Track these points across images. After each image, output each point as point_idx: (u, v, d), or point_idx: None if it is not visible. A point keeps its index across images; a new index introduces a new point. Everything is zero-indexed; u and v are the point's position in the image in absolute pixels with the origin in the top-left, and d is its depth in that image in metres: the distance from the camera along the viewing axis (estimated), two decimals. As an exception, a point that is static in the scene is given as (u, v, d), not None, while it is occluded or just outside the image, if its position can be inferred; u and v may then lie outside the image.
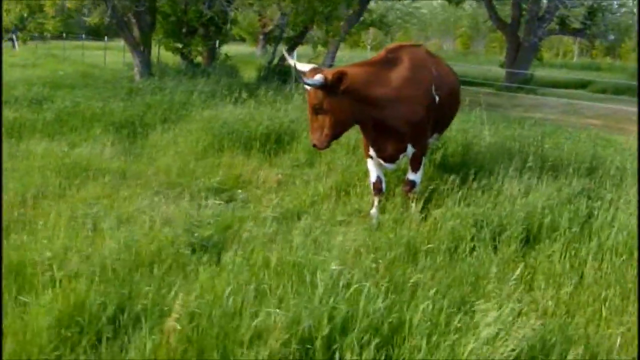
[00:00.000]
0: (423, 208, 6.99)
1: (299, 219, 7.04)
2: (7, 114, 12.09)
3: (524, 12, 28.14)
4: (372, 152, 7.05)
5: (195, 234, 5.78)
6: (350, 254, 5.38)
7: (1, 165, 7.90)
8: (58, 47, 38.58)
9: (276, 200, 7.56)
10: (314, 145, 6.56)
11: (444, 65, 7.66)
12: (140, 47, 19.04)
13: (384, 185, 7.22)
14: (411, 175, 7.12)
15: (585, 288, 5.10)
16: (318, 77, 6.18)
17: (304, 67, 6.72)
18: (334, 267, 4.52)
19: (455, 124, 11.21)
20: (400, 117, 6.68)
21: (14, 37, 45.49)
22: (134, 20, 19.22)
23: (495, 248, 5.82)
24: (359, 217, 7.03)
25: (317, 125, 6.48)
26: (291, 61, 6.99)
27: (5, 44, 46.00)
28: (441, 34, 70.92)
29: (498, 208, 6.29)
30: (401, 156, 7.01)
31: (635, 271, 5.28)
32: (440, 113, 7.21)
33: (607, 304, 4.94)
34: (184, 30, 22.06)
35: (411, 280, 4.85)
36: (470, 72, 27.71)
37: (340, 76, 6.19)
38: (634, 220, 5.94)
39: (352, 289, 4.33)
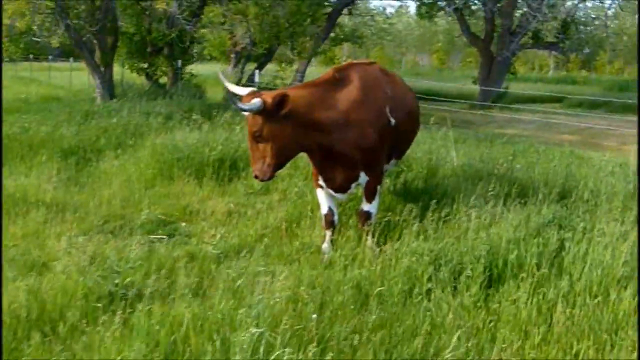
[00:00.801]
0: (379, 242, 6.37)
1: (241, 258, 6.39)
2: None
3: (497, 27, 27.76)
4: (321, 181, 6.41)
5: (116, 281, 5.07)
6: (282, 304, 4.68)
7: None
8: (26, 69, 37.72)
9: (219, 235, 6.93)
10: (256, 177, 5.92)
11: (400, 85, 7.05)
12: (101, 68, 18.32)
13: (336, 218, 6.57)
14: (365, 206, 6.48)
15: (555, 339, 4.46)
16: (255, 102, 5.55)
17: (240, 90, 6.09)
18: (253, 330, 3.84)
19: (421, 144, 10.70)
20: (350, 142, 6.05)
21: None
22: (95, 41, 18.56)
23: (455, 289, 5.17)
24: (309, 254, 6.34)
25: (258, 155, 5.84)
26: (226, 83, 6.35)
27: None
28: (417, 50, 70.78)
29: (459, 243, 5.64)
30: (353, 185, 6.38)
31: (610, 317, 4.65)
32: (397, 137, 6.59)
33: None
34: (148, 49, 21.40)
35: (355, 338, 4.18)
36: (445, 88, 27.21)
37: (280, 100, 5.57)
38: (608, 255, 5.32)
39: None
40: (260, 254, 6.40)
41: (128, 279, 5.12)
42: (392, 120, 6.43)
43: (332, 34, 31.36)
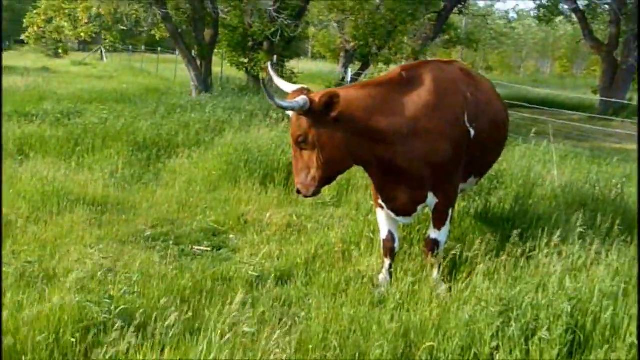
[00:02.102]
0: (446, 278, 5.30)
1: (281, 282, 5.50)
2: (20, 128, 11.12)
3: (623, 32, 25.37)
4: (381, 201, 5.40)
5: (109, 308, 4.26)
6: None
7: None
8: (139, 60, 38.49)
9: (264, 252, 6.07)
10: (298, 192, 5.00)
11: (485, 89, 5.88)
12: (196, 61, 17.98)
13: (396, 244, 5.54)
14: (433, 233, 5.40)
15: None
16: (299, 100, 4.62)
17: (289, 86, 5.18)
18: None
19: (519, 158, 9.43)
20: (416, 156, 5.00)
21: (102, 48, 46.57)
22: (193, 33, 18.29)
23: (527, 354, 4.03)
24: (360, 284, 5.34)
25: (302, 165, 4.93)
26: (274, 77, 5.46)
27: (95, 56, 47.03)
28: (539, 56, 67.32)
29: (538, 291, 4.46)
30: (419, 208, 5.33)
31: None
32: (478, 151, 5.47)
33: None
34: (249, 44, 20.97)
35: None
36: (562, 97, 25.21)
37: (328, 100, 4.62)
38: None
39: None
40: (303, 280, 5.49)
41: (123, 306, 4.28)
42: (472, 131, 5.33)
43: (446, 37, 30.05)
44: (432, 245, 5.39)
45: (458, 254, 5.24)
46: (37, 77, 24.71)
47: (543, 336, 3.96)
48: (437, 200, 5.26)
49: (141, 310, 4.30)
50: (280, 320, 4.69)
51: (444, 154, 5.07)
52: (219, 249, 6.61)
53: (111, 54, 45.74)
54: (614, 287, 4.42)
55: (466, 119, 5.27)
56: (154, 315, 4.28)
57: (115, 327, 3.97)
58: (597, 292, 4.32)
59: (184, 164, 9.98)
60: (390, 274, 5.50)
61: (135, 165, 9.88)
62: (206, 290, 5.12)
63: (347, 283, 5.39)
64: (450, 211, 5.38)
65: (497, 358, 4.00)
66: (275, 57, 18.90)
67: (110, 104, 15.53)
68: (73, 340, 3.93)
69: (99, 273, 5.12)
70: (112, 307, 4.21)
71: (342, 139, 4.77)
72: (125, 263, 5.52)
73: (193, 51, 18.55)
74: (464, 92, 5.39)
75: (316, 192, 4.98)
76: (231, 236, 6.90)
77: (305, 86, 5.08)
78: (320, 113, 4.66)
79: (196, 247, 6.62)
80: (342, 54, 29.83)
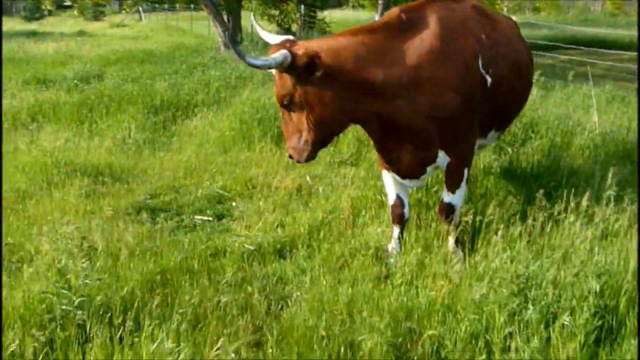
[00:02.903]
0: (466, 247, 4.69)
1: (281, 256, 4.96)
2: (33, 96, 10.76)
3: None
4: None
5: (70, 299, 3.78)
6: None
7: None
8: (187, 18, 37.85)
9: (268, 221, 5.54)
10: (291, 157, 4.42)
11: (504, 30, 5.11)
12: (223, 15, 17.32)
13: (406, 210, 4.92)
14: (447, 197, 4.75)
15: None
16: (277, 56, 4.00)
17: (273, 38, 4.55)
18: None
19: (558, 105, 8.63)
20: (422, 111, 4.33)
21: (140, 9, 46.30)
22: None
23: (547, 342, 3.40)
24: (367, 255, 4.75)
25: (292, 128, 4.34)
26: (258, 29, 4.82)
27: (133, 16, 46.77)
28: (590, -8, 63.88)
29: (562, 265, 3.80)
30: (429, 169, 4.67)
31: None
32: (496, 101, 4.77)
33: None
34: (280, -5, 20.23)
35: None
36: (614, 36, 23.67)
37: (309, 60, 3.98)
38: None
39: None
40: (305, 253, 4.94)
41: (81, 298, 3.78)
42: (488, 79, 4.62)
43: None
44: (446, 211, 4.74)
45: (472, 219, 4.55)
46: (70, 42, 24.52)
47: (565, 322, 3.32)
48: (449, 160, 4.59)
49: (109, 299, 3.83)
50: (269, 304, 4.17)
51: (454, 107, 4.38)
52: (221, 218, 6.13)
53: (149, 14, 45.45)
54: (652, 257, 3.72)
55: (480, 65, 4.55)
56: (119, 305, 3.79)
57: (76, 320, 3.51)
58: (632, 266, 3.63)
59: (199, 125, 9.47)
60: (400, 243, 4.89)
61: (149, 129, 9.43)
62: (192, 270, 4.60)
63: (352, 255, 4.81)
64: (465, 171, 4.70)
65: (512, 347, 3.38)
66: (302, 7, 18.11)
67: (135, 64, 15.08)
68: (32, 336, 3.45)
69: (77, 255, 4.65)
70: (74, 298, 3.72)
71: (332, 96, 4.14)
72: (108, 241, 5.02)
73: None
74: (478, 34, 4.66)
75: (310, 157, 4.39)
76: (234, 204, 6.37)
77: (291, 37, 4.43)
78: (303, 70, 4.03)
79: (197, 217, 6.14)
80: (380, 1, 28.64)
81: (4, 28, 35.00)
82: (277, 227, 5.60)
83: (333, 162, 7.46)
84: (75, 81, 12.24)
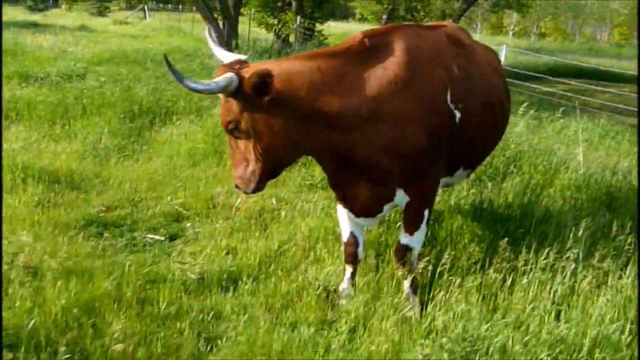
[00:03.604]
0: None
1: (223, 289, 4.62)
2: (11, 92, 10.42)
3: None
4: (340, 197, 4.43)
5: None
6: None
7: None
8: (188, 20, 37.59)
9: (219, 246, 5.22)
10: (237, 187, 4.08)
11: (481, 60, 4.79)
12: (217, 21, 17.01)
13: (360, 249, 4.58)
14: (404, 238, 4.40)
15: None
16: (221, 80, 3.66)
17: (227, 56, 4.22)
18: None
19: (544, 138, 8.30)
20: (380, 146, 3.99)
21: (145, 7, 46.07)
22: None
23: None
24: (313, 294, 4.41)
25: (239, 156, 4.00)
26: (211, 45, 4.49)
27: (138, 15, 46.53)
28: (597, 22, 63.62)
29: (519, 329, 3.44)
30: (386, 208, 4.33)
31: None
32: (465, 138, 4.44)
33: None
34: (279, 3, 19.91)
35: None
36: (613, 68, 23.36)
37: (259, 80, 3.63)
38: None
39: None
40: (250, 287, 4.60)
41: None
42: (457, 113, 4.28)
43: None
44: (403, 253, 4.40)
45: (427, 266, 4.20)
46: (68, 36, 24.23)
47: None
48: (408, 199, 4.26)
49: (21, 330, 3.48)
50: (197, 345, 3.82)
51: (416, 143, 4.05)
52: (174, 239, 5.79)
53: (154, 13, 45.20)
54: (615, 330, 3.37)
55: (449, 98, 4.22)
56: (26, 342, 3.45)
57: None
58: (589, 336, 3.28)
59: (174, 134, 9.14)
60: (353, 284, 4.55)
61: (122, 135, 9.04)
62: (123, 299, 4.26)
63: (298, 293, 4.47)
64: (426, 212, 4.36)
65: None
66: (298, 18, 17.79)
67: (124, 65, 14.75)
68: None
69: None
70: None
71: (282, 125, 3.80)
72: (42, 260, 4.68)
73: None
74: (448, 64, 4.33)
75: (258, 188, 4.04)
76: (187, 224, 6.02)
77: (243, 57, 4.09)
78: (251, 95, 3.69)
79: (149, 236, 5.81)
80: (384, 16, 28.48)
81: (5, 18, 34.80)
82: (227, 253, 5.27)
83: (303, 184, 7.12)
84: (57, 78, 11.90)
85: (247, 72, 3.71)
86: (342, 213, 4.52)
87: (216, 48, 4.35)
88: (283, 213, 6.17)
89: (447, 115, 4.22)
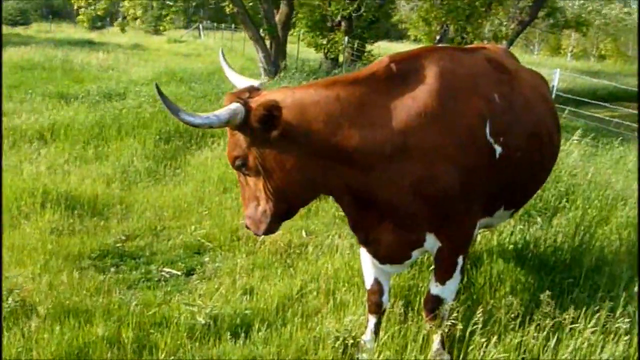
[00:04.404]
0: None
1: (234, 335, 4.19)
2: (48, 111, 10.30)
3: None
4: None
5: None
6: None
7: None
8: (241, 39, 37.73)
9: (241, 286, 4.82)
10: (247, 228, 3.66)
11: (527, 88, 4.24)
12: (264, 40, 16.79)
13: (385, 298, 4.10)
14: (435, 288, 3.90)
15: None
16: (225, 112, 3.26)
17: (240, 81, 3.82)
18: None
19: (597, 169, 7.67)
20: (408, 185, 3.51)
21: (200, 26, 46.55)
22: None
23: None
24: (329, 348, 3.95)
25: (249, 194, 3.57)
26: (225, 67, 4.08)
27: (193, 33, 47.03)
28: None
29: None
30: (414, 253, 3.84)
31: None
32: (507, 176, 3.91)
33: None
34: (328, 24, 19.63)
35: None
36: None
37: (265, 112, 3.21)
38: None
39: None
40: (262, 336, 4.16)
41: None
42: (497, 148, 3.77)
43: (551, 20, 27.47)
44: (433, 304, 3.90)
45: (457, 321, 3.70)
46: (120, 54, 24.45)
47: None
48: (439, 245, 3.76)
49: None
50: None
51: (448, 183, 3.55)
52: (191, 274, 5.42)
53: (209, 32, 45.58)
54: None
55: (488, 131, 3.71)
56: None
57: None
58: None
59: (208, 157, 8.82)
60: (376, 336, 4.07)
61: (156, 157, 8.78)
62: (123, 345, 3.88)
63: (315, 345, 4.01)
64: (460, 259, 3.85)
65: None
66: (346, 38, 17.42)
67: (169, 85, 14.62)
68: None
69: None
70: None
71: (295, 162, 3.36)
72: (41, 297, 4.35)
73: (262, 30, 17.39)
74: (488, 92, 3.82)
75: (269, 230, 3.60)
76: (206, 259, 5.64)
77: (257, 83, 3.68)
78: (257, 128, 3.27)
79: (166, 270, 5.46)
80: (437, 37, 27.97)
81: (62, 35, 35.63)
82: (245, 294, 4.84)
83: (337, 215, 6.67)
84: (97, 97, 11.78)
85: (255, 102, 3.29)
86: (366, 257, 4.06)
87: (229, 71, 3.95)
88: (310, 249, 5.74)
89: (485, 151, 3.71)
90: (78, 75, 15.19)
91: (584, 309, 3.68)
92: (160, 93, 3.12)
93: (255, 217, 3.55)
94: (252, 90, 3.49)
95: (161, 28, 43.19)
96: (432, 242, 3.74)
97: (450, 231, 3.74)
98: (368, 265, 4.08)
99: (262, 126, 3.23)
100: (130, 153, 8.74)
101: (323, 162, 3.40)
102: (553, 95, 14.15)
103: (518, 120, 3.96)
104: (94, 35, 38.32)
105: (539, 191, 6.12)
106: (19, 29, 39.56)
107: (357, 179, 3.48)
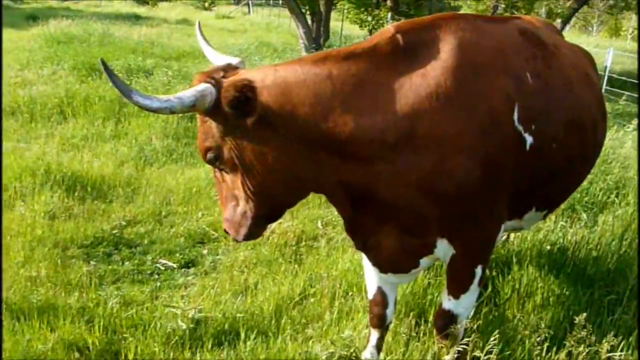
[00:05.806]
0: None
1: (218, 343, 3.68)
2: (68, 85, 9.94)
3: None
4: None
5: None
6: None
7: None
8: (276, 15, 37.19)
9: (238, 283, 4.32)
10: (226, 232, 3.10)
11: (567, 66, 3.54)
12: (305, 16, 16.18)
13: (390, 310, 3.52)
14: (447, 302, 3.30)
15: None
16: (190, 93, 2.70)
17: (216, 58, 3.26)
18: None
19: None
20: (415, 181, 2.90)
21: (249, 2, 46.21)
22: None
23: None
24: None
25: (227, 193, 3.02)
26: (201, 42, 3.51)
27: (241, 9, 46.68)
28: None
29: None
30: (422, 262, 3.23)
31: None
32: (539, 171, 3.28)
33: None
34: (374, 0, 18.92)
35: None
36: None
37: (237, 93, 2.64)
38: None
39: None
40: (251, 345, 3.64)
41: None
42: (527, 138, 3.12)
43: (610, 1, 26.32)
44: (445, 321, 3.30)
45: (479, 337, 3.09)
46: (164, 29, 24.15)
47: None
48: (453, 252, 3.14)
49: None
50: None
51: (465, 178, 2.92)
52: (189, 266, 4.93)
53: (258, 8, 45.12)
54: None
55: (516, 117, 3.05)
56: None
57: None
58: None
59: (232, 137, 8.29)
60: (379, 351, 3.49)
61: (177, 135, 8.30)
62: (92, 351, 3.41)
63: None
64: (478, 270, 3.23)
65: None
66: (390, 14, 16.66)
67: (203, 61, 14.15)
68: None
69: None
70: None
71: (277, 154, 2.78)
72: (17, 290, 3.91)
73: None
74: (519, 71, 3.15)
75: (251, 235, 3.05)
76: (204, 252, 5.14)
77: (236, 61, 3.10)
78: (230, 112, 2.71)
79: (162, 261, 4.98)
80: (491, 9, 26.84)
81: (110, 9, 35.53)
82: (239, 294, 4.32)
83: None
84: (122, 73, 11.37)
85: (231, 82, 2.73)
86: (368, 265, 3.47)
87: (207, 48, 3.38)
88: (323, 243, 5.18)
89: (512, 141, 3.06)
90: (112, 49, 14.83)
91: (626, 337, 3.02)
92: (108, 70, 2.58)
93: (234, 219, 3.00)
94: (228, 69, 2.92)
95: (207, 4, 43.15)
96: (444, 249, 3.13)
97: (467, 236, 3.12)
98: (370, 273, 3.50)
99: (234, 111, 2.67)
100: (151, 132, 8.29)
101: (312, 154, 2.82)
102: (605, 78, 13.17)
103: (555, 104, 3.29)
104: (142, 10, 38.16)
105: (585, 183, 5.45)
106: (69, 3, 39.63)
107: (353, 174, 2.89)
